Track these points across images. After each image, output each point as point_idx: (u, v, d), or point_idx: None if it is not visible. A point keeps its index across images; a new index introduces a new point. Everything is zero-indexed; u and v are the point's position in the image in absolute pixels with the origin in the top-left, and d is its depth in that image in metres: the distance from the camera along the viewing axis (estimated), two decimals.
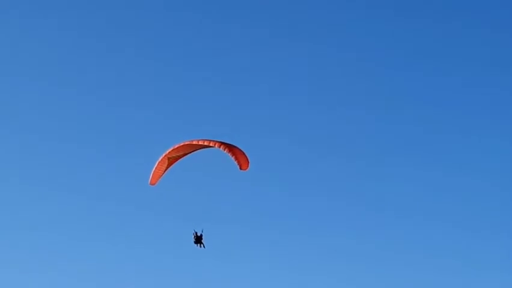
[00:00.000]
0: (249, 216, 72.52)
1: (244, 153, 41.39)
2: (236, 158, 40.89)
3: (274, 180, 75.17)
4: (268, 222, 72.79)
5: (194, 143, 41.83)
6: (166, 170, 43.31)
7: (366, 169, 77.99)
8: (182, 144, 42.12)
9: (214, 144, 41.27)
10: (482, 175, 77.38)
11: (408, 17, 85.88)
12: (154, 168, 43.32)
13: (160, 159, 43.02)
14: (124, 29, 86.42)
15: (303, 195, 75.50)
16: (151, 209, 68.36)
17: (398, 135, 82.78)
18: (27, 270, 69.10)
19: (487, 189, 76.73)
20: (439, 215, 74.62)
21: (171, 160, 43.03)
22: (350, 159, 78.56)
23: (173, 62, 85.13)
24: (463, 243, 73.23)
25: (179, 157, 43.16)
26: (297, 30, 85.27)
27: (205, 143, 41.50)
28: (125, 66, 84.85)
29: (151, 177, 43.66)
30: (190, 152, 42.99)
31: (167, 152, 42.65)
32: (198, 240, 45.53)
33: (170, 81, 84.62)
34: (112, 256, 71.04)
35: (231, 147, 41.23)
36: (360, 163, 78.48)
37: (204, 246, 45.62)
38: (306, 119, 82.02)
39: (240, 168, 41.08)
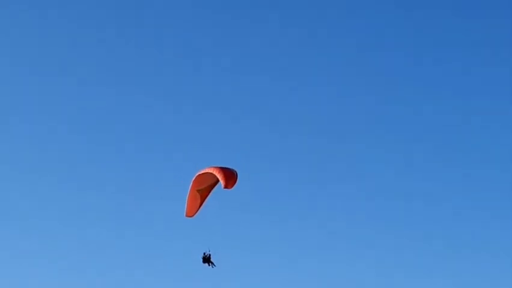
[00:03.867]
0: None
1: (233, 174, 43.81)
2: (224, 177, 43.42)
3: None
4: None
5: (200, 173, 44.62)
6: (201, 203, 45.84)
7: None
8: (195, 177, 44.88)
9: (212, 171, 43.96)
10: None
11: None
12: (187, 202, 45.79)
13: (189, 193, 45.38)
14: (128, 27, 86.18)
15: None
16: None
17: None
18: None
19: None
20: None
21: (202, 193, 45.64)
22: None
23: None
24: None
25: (207, 189, 45.39)
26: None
27: (206, 171, 44.18)
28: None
29: (186, 210, 45.98)
30: (213, 183, 45.41)
31: (192, 185, 45.18)
32: (207, 260, 46.30)
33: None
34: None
35: (221, 169, 43.77)
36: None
37: (213, 265, 46.37)
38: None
39: (224, 187, 43.53)
